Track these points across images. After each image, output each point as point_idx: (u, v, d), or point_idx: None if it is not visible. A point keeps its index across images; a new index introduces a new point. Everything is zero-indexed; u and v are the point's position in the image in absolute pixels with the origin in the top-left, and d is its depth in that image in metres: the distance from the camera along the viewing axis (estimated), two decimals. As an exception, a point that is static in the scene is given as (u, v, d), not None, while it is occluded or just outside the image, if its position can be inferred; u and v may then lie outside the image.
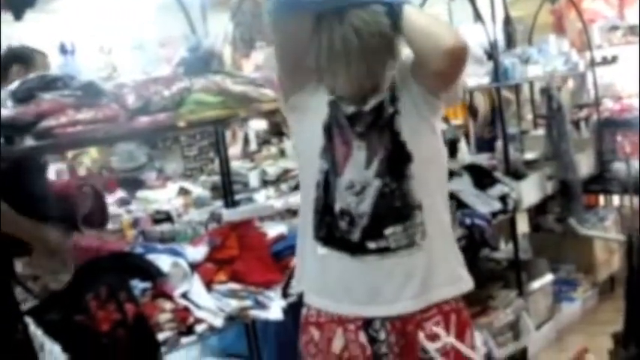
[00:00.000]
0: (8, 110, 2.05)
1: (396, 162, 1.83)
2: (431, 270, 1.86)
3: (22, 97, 2.09)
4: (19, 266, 2.33)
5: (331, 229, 1.86)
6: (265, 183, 4.90)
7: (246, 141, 6.22)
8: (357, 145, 1.84)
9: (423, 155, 1.85)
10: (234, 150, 5.70)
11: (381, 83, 1.84)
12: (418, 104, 1.85)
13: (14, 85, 2.14)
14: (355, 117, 1.84)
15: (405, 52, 1.85)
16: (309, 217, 1.91)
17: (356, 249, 1.84)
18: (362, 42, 1.75)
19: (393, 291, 1.85)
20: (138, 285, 2.25)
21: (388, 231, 1.83)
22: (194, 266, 2.46)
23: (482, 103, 5.92)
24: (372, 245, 1.83)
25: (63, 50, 2.62)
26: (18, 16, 2.42)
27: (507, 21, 5.03)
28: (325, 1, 1.75)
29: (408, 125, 1.84)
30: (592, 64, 5.71)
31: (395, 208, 1.83)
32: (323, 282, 1.91)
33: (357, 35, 1.74)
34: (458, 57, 1.73)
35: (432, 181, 1.89)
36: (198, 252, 2.54)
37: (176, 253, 2.47)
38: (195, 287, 2.38)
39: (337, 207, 1.84)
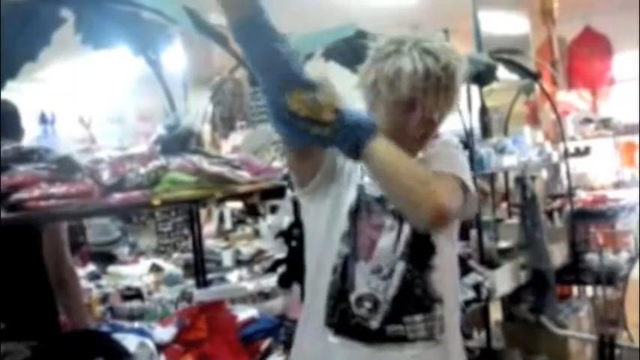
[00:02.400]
0: (-20, 181, 2.03)
1: (420, 251, 1.79)
2: None
3: (-4, 168, 2.07)
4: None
5: (346, 316, 1.78)
6: (239, 263, 4.86)
7: (221, 219, 6.20)
8: (388, 226, 1.79)
9: (444, 251, 1.82)
10: (208, 228, 5.68)
11: None
12: None
13: (-11, 155, 2.13)
14: (385, 199, 1.79)
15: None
16: (318, 302, 1.82)
17: (373, 337, 1.77)
18: None
19: None
20: (102, 365, 2.18)
21: (407, 319, 1.77)
22: (161, 347, 2.40)
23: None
24: (390, 331, 1.76)
25: (43, 120, 2.63)
26: (-1, 85, 2.44)
27: (483, 110, 5.11)
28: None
29: None
30: (565, 155, 5.81)
31: (416, 297, 1.78)
32: None
33: None
34: (442, 219, 1.65)
35: (452, 277, 1.88)
36: (166, 332, 2.48)
37: (143, 333, 2.41)
38: (161, 369, 2.32)
39: (356, 293, 1.77)
